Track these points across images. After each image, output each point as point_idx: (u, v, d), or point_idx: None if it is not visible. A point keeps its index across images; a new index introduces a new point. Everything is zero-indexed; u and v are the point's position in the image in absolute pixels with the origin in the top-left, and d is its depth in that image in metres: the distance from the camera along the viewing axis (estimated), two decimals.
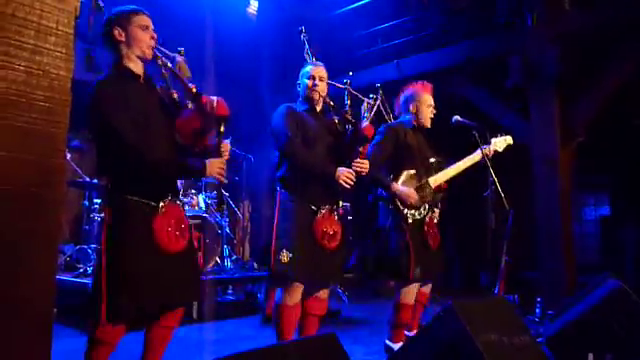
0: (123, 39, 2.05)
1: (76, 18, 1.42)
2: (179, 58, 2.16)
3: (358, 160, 2.69)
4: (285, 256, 2.57)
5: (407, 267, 3.00)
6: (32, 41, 1.33)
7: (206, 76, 6.15)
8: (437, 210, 3.27)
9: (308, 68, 2.88)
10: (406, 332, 3.34)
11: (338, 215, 2.77)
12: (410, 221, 3.11)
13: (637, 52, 4.37)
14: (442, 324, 1.97)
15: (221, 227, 5.23)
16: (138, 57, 2.07)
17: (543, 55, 4.68)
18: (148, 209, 1.98)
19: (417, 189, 3.14)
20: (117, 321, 1.92)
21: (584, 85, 4.69)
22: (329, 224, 2.68)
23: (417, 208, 3.13)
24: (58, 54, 1.38)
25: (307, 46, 3.04)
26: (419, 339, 2.18)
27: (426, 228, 3.13)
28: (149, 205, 1.98)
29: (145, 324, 2.13)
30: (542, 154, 4.72)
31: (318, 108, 2.86)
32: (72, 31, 1.40)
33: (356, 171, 2.67)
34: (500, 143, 3.48)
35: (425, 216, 3.16)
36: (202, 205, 5.28)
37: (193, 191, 5.21)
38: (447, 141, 3.81)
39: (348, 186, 2.64)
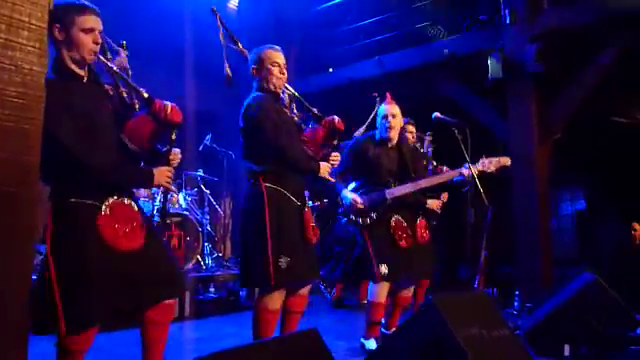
0: (62, 39, 1.87)
1: (50, 12, 1.38)
2: (122, 53, 2.10)
3: (334, 154, 2.71)
4: (284, 262, 2.39)
5: (371, 266, 3.13)
6: (3, 35, 1.29)
7: (185, 73, 6.09)
8: (401, 214, 3.31)
9: (268, 52, 2.61)
10: (384, 330, 3.38)
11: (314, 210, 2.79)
12: (360, 224, 3.25)
13: (615, 50, 4.45)
14: (423, 319, 1.98)
15: (201, 225, 5.19)
16: (78, 61, 1.92)
17: (522, 52, 4.73)
18: (91, 209, 1.89)
19: (367, 195, 3.25)
20: (79, 331, 1.84)
21: (562, 83, 4.77)
22: (311, 218, 2.66)
23: (365, 214, 3.24)
24: (31, 49, 1.34)
25: (222, 29, 2.77)
26: (400, 334, 2.19)
27: (392, 230, 3.21)
28: (92, 205, 1.90)
29: (121, 323, 2.08)
30: (519, 151, 4.79)
31: (278, 98, 2.67)
32: (45, 25, 1.37)
33: (332, 164, 2.68)
34: (491, 165, 3.35)
35: (386, 218, 3.24)
36: (182, 203, 5.23)
37: (173, 188, 5.15)
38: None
39: (332, 180, 2.68)
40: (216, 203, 5.97)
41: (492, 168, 3.32)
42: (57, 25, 1.84)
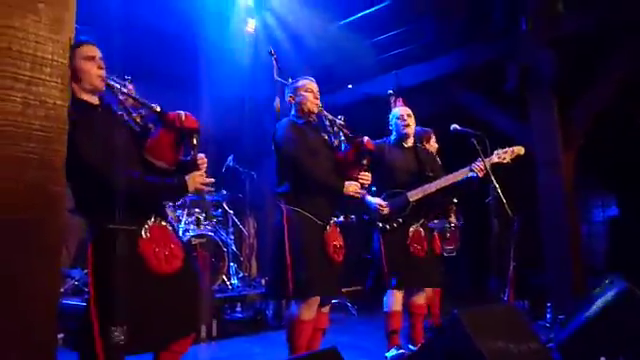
0: (70, 74, 1.98)
1: (70, 48, 1.45)
2: (129, 86, 2.14)
3: (363, 173, 2.79)
4: (302, 275, 2.56)
5: (381, 274, 3.16)
6: (28, 73, 1.36)
7: (205, 97, 6.23)
8: (421, 222, 3.31)
9: (304, 82, 2.89)
10: (411, 347, 3.35)
11: (340, 228, 2.82)
12: (386, 230, 3.23)
13: (634, 51, 4.37)
14: (448, 333, 1.96)
15: (226, 245, 5.23)
16: (90, 90, 1.99)
17: (539, 59, 4.69)
18: (130, 234, 1.92)
19: (399, 203, 3.22)
20: (115, 356, 1.85)
21: (583, 87, 4.70)
22: (336, 237, 2.76)
23: (390, 220, 3.22)
24: (54, 84, 1.40)
25: (276, 66, 3.00)
26: (425, 349, 2.16)
27: (409, 240, 3.22)
28: (131, 230, 1.93)
29: (150, 351, 2.10)
30: (544, 158, 4.71)
31: (312, 122, 2.90)
32: (67, 61, 1.43)
33: (361, 183, 2.77)
34: (506, 155, 3.35)
35: (405, 227, 3.23)
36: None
37: (197, 210, 5.23)
38: (453, 149, 3.83)
39: (359, 197, 2.76)
40: (240, 223, 6.02)
41: (507, 158, 3.32)
42: None
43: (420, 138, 3.85)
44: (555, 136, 4.71)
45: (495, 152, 3.32)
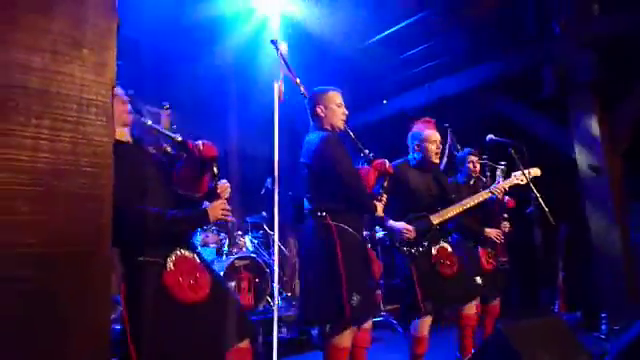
0: None
1: (113, 87, 1.55)
2: (164, 114, 2.18)
3: (382, 194, 2.74)
4: (356, 299, 2.38)
5: (415, 300, 2.98)
6: (75, 114, 1.45)
7: (241, 121, 6.37)
8: (447, 242, 3.24)
9: (332, 94, 2.73)
10: (457, 354, 3.29)
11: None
12: (413, 254, 3.11)
13: None
14: (492, 347, 1.92)
15: (269, 266, 5.30)
16: (120, 125, 2.07)
17: (576, 61, 4.59)
18: (156, 266, 1.97)
19: (413, 223, 3.13)
20: None
21: (625, 88, 4.55)
22: (373, 252, 2.73)
23: (416, 245, 3.12)
24: (99, 123, 1.49)
25: (283, 60, 2.86)
26: None
27: (434, 260, 3.10)
28: (157, 262, 1.98)
29: None
30: (588, 164, 4.56)
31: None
32: (110, 101, 1.52)
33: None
34: (526, 175, 3.35)
35: (430, 248, 3.14)
36: (249, 246, 5.38)
37: (239, 232, 5.33)
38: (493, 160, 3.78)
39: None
40: (281, 244, 6.09)
41: (525, 180, 3.32)
42: None
43: (462, 160, 3.79)
44: (597, 141, 4.57)
45: (513, 174, 3.35)
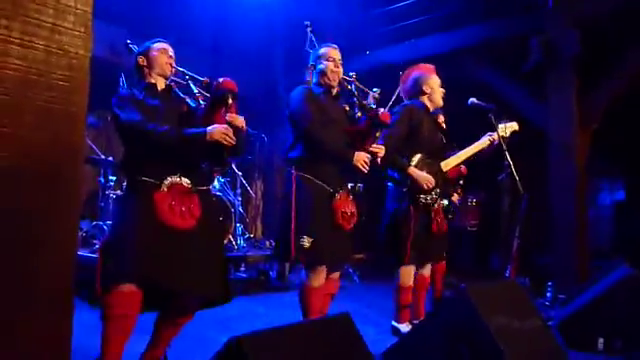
0: (145, 64, 2.34)
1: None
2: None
3: (375, 145, 2.74)
4: (307, 241, 2.59)
5: (404, 251, 3.12)
6: (51, 20, 1.33)
7: (220, 57, 6.13)
8: (445, 200, 3.35)
9: (325, 50, 2.84)
10: (414, 321, 3.39)
11: (353, 196, 2.82)
12: (421, 204, 3.18)
13: None
14: (454, 307, 1.98)
15: (234, 205, 5.27)
16: (158, 74, 2.33)
17: (563, 38, 4.57)
18: (152, 186, 2.09)
19: (432, 174, 3.17)
20: (109, 288, 1.95)
21: (603, 69, 4.59)
22: (347, 205, 2.76)
23: (429, 192, 3.19)
24: (77, 33, 1.38)
25: (313, 41, 2.95)
26: (430, 321, 2.20)
27: (433, 215, 3.22)
28: (152, 183, 2.10)
29: (156, 306, 2.17)
30: (558, 138, 4.65)
31: (333, 92, 2.85)
32: (90, 9, 1.40)
33: (372, 155, 2.72)
34: (507, 129, 3.47)
35: (434, 203, 3.23)
36: (215, 184, 5.31)
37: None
38: (460, 125, 3.79)
39: (365, 170, 2.68)
40: (248, 185, 6.05)
41: (507, 133, 3.41)
42: (141, 57, 2.35)
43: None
44: (572, 118, 4.64)
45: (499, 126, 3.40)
